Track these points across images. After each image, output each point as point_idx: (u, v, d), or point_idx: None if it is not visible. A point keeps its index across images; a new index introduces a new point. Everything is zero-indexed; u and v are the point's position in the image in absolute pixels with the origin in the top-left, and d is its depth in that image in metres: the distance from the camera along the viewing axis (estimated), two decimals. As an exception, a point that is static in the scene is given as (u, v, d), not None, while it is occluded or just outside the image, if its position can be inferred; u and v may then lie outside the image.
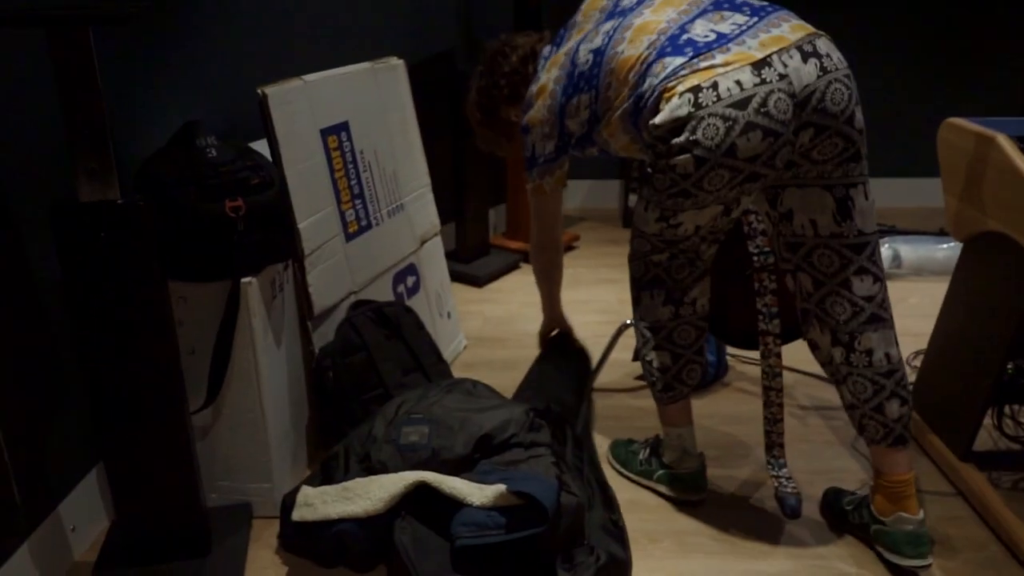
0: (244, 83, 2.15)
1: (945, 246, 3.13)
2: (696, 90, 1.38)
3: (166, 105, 1.88)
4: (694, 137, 1.38)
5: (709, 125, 1.37)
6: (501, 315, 2.89)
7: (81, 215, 1.37)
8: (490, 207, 3.54)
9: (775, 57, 1.39)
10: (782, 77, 1.38)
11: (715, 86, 1.38)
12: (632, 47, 1.51)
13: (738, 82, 1.37)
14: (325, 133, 2.04)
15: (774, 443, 1.76)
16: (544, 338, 2.21)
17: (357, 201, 2.15)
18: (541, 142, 1.73)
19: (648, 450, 1.89)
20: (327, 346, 1.96)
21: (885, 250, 3.11)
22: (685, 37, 1.46)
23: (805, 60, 1.40)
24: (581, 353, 2.21)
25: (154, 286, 1.43)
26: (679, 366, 1.72)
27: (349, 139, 2.14)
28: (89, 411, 1.69)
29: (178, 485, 1.56)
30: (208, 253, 1.61)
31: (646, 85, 1.47)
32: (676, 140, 1.40)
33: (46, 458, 1.58)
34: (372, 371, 1.95)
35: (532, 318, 2.85)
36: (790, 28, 1.45)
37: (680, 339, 1.70)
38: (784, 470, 1.74)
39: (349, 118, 2.14)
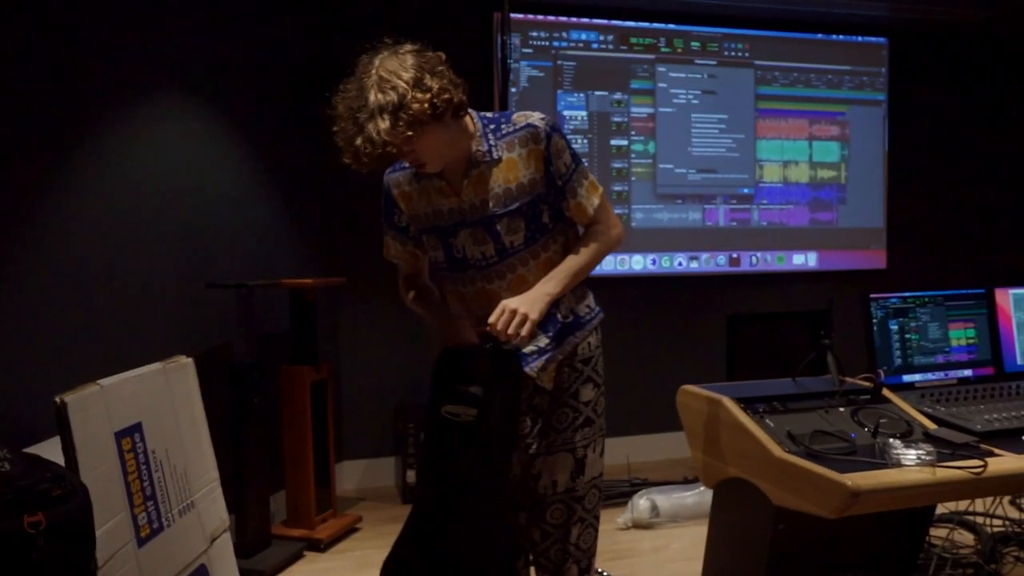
0: (25, 387, 2.09)
1: (691, 492, 3.54)
2: None
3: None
4: None
5: None
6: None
7: None
8: (271, 494, 3.47)
9: None
10: None
11: None
12: None
13: None
14: (119, 436, 2.01)
15: None
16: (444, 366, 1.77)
17: (149, 503, 2.08)
18: None
19: None
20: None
21: (643, 502, 3.45)
22: None
23: None
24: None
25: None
26: None
27: (142, 440, 2.11)
28: None
29: None
30: (2, 577, 1.49)
31: None
32: None
33: None
34: None
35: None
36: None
37: None
38: None
39: (142, 419, 2.13)
